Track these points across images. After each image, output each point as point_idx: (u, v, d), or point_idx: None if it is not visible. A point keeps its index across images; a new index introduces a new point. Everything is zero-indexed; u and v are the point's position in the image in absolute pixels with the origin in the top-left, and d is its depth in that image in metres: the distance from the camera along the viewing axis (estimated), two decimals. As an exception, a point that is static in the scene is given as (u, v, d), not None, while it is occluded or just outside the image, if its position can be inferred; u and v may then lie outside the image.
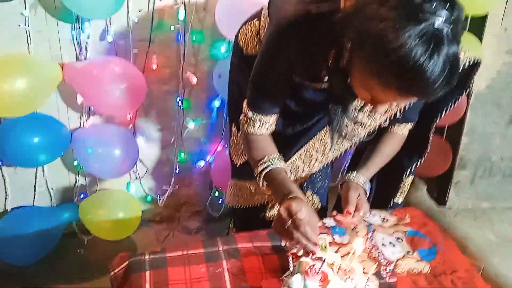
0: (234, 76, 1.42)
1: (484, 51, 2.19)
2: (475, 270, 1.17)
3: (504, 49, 2.25)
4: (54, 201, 1.98)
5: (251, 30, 1.31)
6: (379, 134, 1.32)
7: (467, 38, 2.11)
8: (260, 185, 1.19)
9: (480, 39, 2.17)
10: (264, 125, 1.21)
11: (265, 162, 1.17)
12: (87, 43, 1.70)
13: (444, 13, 0.80)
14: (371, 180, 1.29)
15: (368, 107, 1.18)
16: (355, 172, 1.25)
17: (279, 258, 1.11)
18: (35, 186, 1.91)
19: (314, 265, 0.97)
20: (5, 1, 1.55)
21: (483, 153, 2.45)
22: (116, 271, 1.08)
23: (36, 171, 1.89)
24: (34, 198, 1.93)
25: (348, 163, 1.54)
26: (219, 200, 2.19)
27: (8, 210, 1.90)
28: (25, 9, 1.59)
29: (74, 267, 1.94)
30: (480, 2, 1.96)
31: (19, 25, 1.61)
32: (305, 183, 1.42)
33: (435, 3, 0.80)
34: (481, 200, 2.54)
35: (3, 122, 1.67)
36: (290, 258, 1.02)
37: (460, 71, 1.13)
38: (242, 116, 1.23)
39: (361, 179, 1.23)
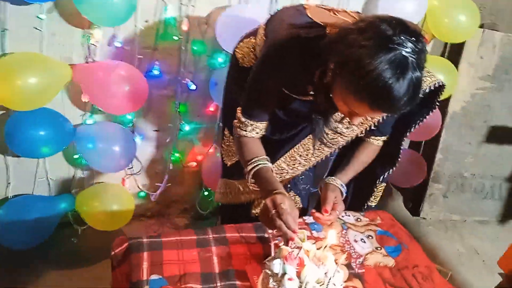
0: (229, 84, 1.58)
1: (460, 76, 2.38)
2: (433, 267, 1.32)
3: (478, 75, 2.45)
4: (52, 191, 2.09)
5: (247, 45, 1.47)
6: (357, 144, 1.49)
7: (444, 64, 2.30)
8: (249, 182, 1.33)
9: (457, 66, 2.36)
10: (254, 129, 1.35)
11: (254, 162, 1.31)
12: (96, 47, 1.84)
13: (410, 45, 0.98)
14: (348, 185, 1.45)
15: (346, 119, 1.34)
16: (334, 176, 1.41)
17: (262, 247, 1.25)
18: (35, 176, 2.03)
19: (292, 251, 1.11)
20: (24, 5, 1.69)
21: (455, 169, 2.64)
22: (116, 251, 1.21)
23: (38, 162, 2.01)
24: (34, 187, 2.05)
25: (329, 171, 1.69)
26: (208, 199, 2.32)
27: (9, 197, 2.01)
28: (42, 13, 1.73)
29: (67, 255, 2.05)
30: (458, 32, 2.16)
31: (35, 28, 1.74)
32: (289, 184, 1.57)
33: (402, 37, 0.97)
34: (453, 213, 2.73)
35: (12, 114, 1.80)
36: (272, 246, 1.17)
37: (427, 92, 1.31)
38: (236, 120, 1.38)
39: (338, 182, 1.39)
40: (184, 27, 1.90)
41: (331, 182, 1.39)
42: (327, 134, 1.40)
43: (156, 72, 1.95)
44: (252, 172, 1.30)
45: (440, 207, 2.69)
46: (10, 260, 1.96)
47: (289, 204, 1.16)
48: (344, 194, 1.40)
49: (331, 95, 1.15)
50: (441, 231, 2.63)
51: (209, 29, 1.97)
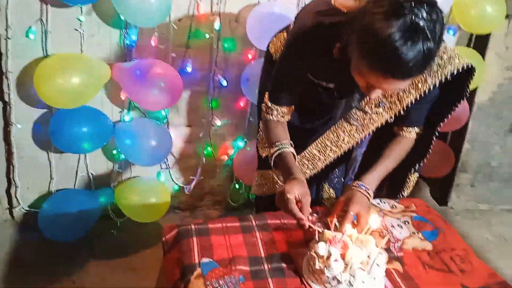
0: (264, 79, 1.63)
1: (487, 67, 2.38)
2: (470, 250, 1.36)
3: (505, 65, 2.44)
4: (92, 185, 2.18)
5: (279, 40, 1.53)
6: (390, 140, 1.50)
7: (471, 55, 2.31)
8: (271, 163, 1.40)
9: (483, 56, 2.37)
10: (280, 113, 1.42)
11: (277, 146, 1.38)
12: (132, 46, 1.91)
13: (423, 13, 1.00)
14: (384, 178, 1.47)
15: (372, 102, 1.38)
16: (362, 175, 1.41)
17: (303, 232, 1.29)
18: (77, 171, 2.12)
19: (335, 235, 1.16)
20: (64, 7, 1.77)
21: (483, 159, 2.64)
22: (167, 237, 1.28)
23: (79, 158, 2.10)
24: (75, 182, 2.14)
25: (359, 163, 1.72)
26: (239, 191, 2.39)
27: (52, 192, 2.12)
28: (81, 14, 1.81)
29: (107, 246, 2.14)
30: (484, 23, 2.17)
31: (75, 29, 1.83)
32: (323, 180, 1.63)
33: (414, 3, 1.01)
34: (480, 202, 2.73)
35: (56, 112, 1.88)
36: (317, 230, 1.21)
37: (455, 74, 1.32)
38: (263, 104, 1.45)
39: (355, 184, 1.37)
40: (216, 25, 1.95)
41: (351, 187, 1.38)
42: (355, 114, 1.43)
43: (188, 69, 2.02)
44: (274, 156, 1.37)
45: (467, 196, 2.70)
46: (54, 251, 2.05)
47: (298, 192, 1.23)
48: (366, 190, 1.36)
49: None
50: (469, 220, 2.64)
51: (239, 26, 2.02)
